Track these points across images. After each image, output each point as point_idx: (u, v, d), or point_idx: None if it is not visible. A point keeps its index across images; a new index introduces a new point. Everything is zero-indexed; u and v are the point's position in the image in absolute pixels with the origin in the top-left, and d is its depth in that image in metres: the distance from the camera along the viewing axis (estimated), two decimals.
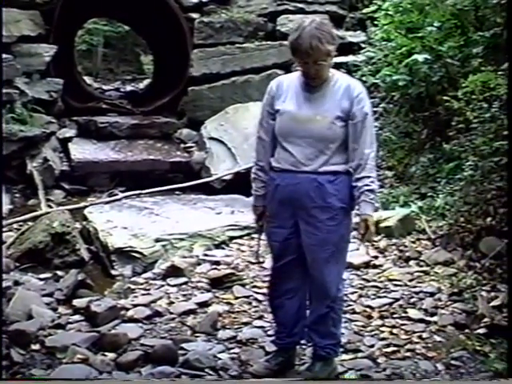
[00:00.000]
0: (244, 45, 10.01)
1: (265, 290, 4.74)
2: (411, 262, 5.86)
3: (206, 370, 4.19)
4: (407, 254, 5.99)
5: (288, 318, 4.18)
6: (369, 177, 3.90)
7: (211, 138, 9.14)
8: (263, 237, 4.25)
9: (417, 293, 5.29)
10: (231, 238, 6.52)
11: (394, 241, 6.25)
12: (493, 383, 4.12)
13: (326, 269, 3.97)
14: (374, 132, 4.01)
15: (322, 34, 3.79)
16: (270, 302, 4.38)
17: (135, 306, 5.13)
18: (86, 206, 7.38)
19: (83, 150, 9.06)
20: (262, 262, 5.45)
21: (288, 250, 4.05)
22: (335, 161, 3.91)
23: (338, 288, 4.08)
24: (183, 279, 5.67)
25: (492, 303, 4.90)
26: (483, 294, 5.09)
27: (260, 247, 4.45)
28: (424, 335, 4.68)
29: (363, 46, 9.15)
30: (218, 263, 5.94)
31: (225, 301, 5.27)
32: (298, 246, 4.02)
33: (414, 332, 4.72)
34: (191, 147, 9.56)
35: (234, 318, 4.98)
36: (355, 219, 4.09)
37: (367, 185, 3.89)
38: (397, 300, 5.19)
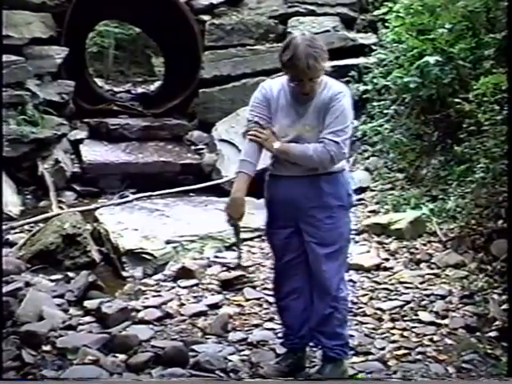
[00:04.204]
0: (255, 47, 9.99)
1: None
2: (422, 265, 5.84)
3: (217, 372, 4.19)
4: (418, 256, 5.97)
5: (294, 320, 4.20)
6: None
7: (222, 140, 9.14)
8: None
9: (428, 295, 5.27)
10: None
11: (404, 243, 6.24)
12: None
13: (325, 265, 4.02)
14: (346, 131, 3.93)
15: (316, 53, 3.83)
16: (276, 304, 4.41)
17: (146, 307, 5.15)
18: (97, 208, 7.41)
19: (94, 152, 9.09)
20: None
21: (289, 248, 4.12)
22: None
23: (340, 287, 4.10)
24: (194, 281, 5.68)
25: (503, 306, 4.87)
26: (494, 296, 5.08)
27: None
28: (435, 338, 4.66)
29: (374, 48, 9.12)
30: (228, 265, 5.95)
31: (235, 303, 5.28)
32: (299, 244, 4.09)
33: (425, 335, 4.71)
34: (202, 149, 9.56)
35: (245, 320, 4.98)
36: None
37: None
38: (408, 303, 5.17)
